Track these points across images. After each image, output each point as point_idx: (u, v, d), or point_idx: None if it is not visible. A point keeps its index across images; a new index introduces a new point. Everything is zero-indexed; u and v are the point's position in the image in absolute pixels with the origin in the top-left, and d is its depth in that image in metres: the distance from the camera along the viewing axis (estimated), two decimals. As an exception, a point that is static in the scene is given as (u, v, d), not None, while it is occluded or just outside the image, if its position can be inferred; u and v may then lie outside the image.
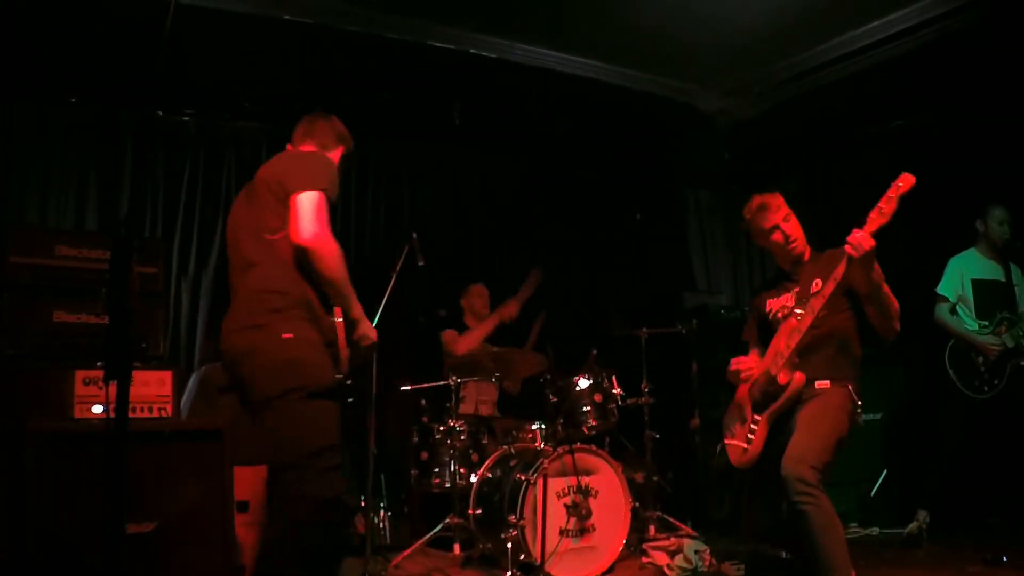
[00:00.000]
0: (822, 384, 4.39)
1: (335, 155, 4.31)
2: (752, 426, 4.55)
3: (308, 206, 3.70)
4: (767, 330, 4.76)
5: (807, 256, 4.74)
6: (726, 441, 4.73)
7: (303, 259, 3.72)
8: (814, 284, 4.44)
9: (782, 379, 4.40)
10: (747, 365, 4.70)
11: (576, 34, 7.29)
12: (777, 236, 4.69)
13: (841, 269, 4.14)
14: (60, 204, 6.91)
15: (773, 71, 8.10)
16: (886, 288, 4.28)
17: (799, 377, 4.38)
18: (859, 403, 4.43)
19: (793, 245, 4.69)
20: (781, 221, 4.68)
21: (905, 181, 4.06)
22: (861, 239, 4.02)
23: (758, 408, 4.56)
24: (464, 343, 7.28)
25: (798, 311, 4.43)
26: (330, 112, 4.35)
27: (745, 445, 4.56)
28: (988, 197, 6.73)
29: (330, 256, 3.72)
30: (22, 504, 4.46)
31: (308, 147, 4.29)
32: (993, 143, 7.02)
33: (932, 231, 7.18)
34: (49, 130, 6.98)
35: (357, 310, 3.93)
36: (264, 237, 3.85)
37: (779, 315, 4.66)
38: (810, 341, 4.37)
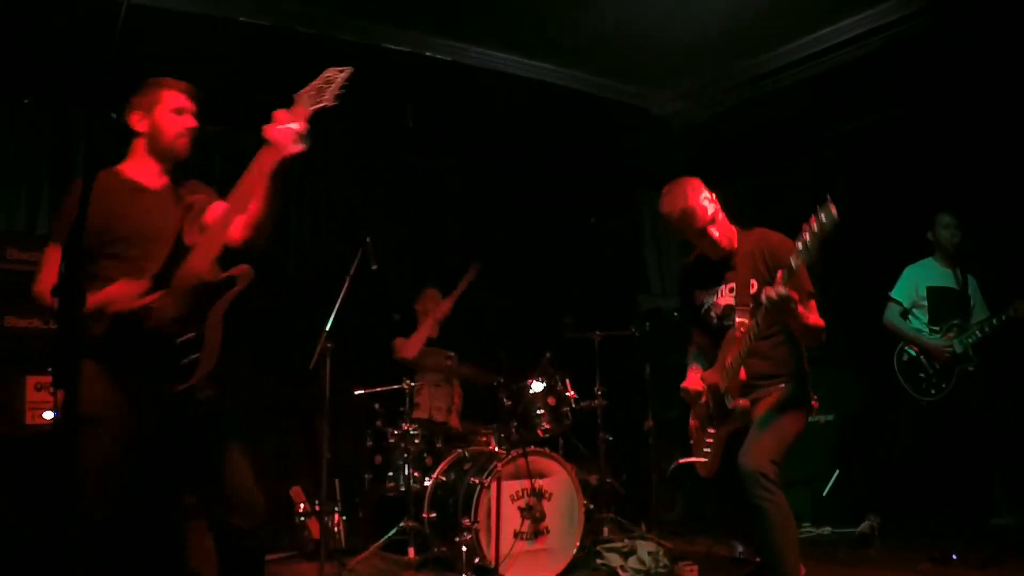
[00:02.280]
0: (777, 384, 4.31)
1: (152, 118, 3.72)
2: (707, 439, 4.48)
3: None
4: (700, 320, 4.60)
5: (736, 242, 4.48)
6: (690, 459, 4.64)
7: None
8: (752, 285, 4.30)
9: (731, 404, 4.31)
10: (693, 386, 4.56)
11: (531, 38, 7.33)
12: (707, 242, 4.44)
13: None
14: (11, 206, 6.75)
15: (726, 75, 8.19)
16: (809, 318, 4.08)
17: (743, 404, 4.27)
18: (814, 397, 4.38)
19: (725, 244, 4.44)
20: (710, 224, 4.40)
21: (825, 217, 3.62)
22: (773, 292, 3.81)
23: (712, 421, 4.46)
24: (408, 348, 7.27)
25: (740, 320, 4.26)
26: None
27: (704, 460, 4.50)
28: (940, 198, 6.81)
29: None
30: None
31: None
32: (944, 145, 7.10)
33: (886, 233, 7.26)
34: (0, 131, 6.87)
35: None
36: None
37: (712, 313, 4.50)
38: (761, 345, 4.25)
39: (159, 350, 3.31)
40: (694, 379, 4.59)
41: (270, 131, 3.52)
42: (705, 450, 4.49)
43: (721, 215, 4.47)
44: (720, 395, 4.36)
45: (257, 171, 3.52)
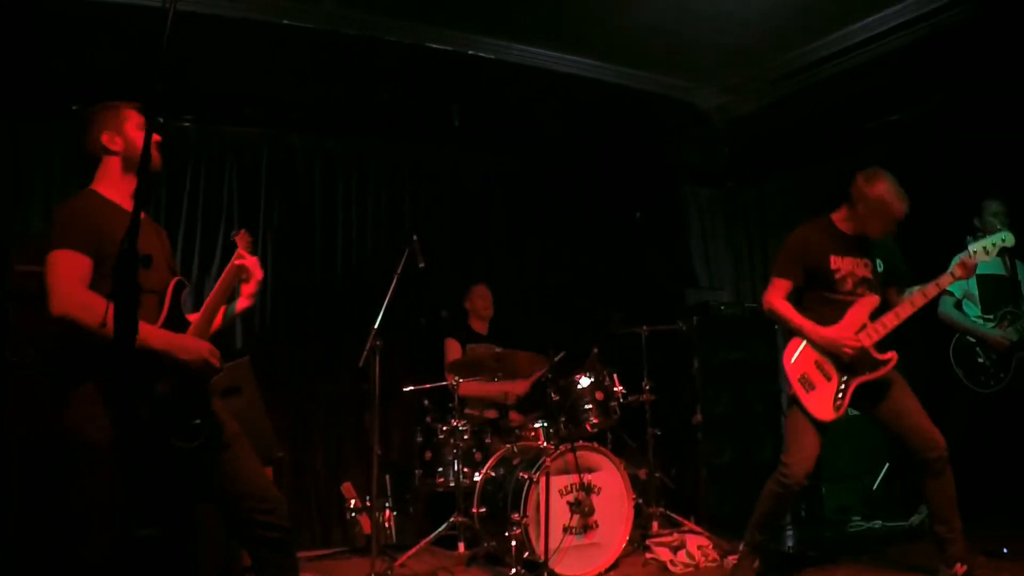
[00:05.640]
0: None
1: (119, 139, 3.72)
2: (841, 386, 4.94)
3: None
4: (817, 281, 5.05)
5: None
6: (808, 395, 4.94)
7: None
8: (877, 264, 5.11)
9: (882, 356, 4.93)
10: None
11: (573, 33, 7.33)
12: (883, 230, 5.06)
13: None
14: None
15: (770, 67, 8.15)
16: None
17: (894, 355, 4.94)
18: None
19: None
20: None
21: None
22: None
23: (846, 370, 4.94)
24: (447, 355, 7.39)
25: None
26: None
27: (836, 402, 4.93)
28: (986, 189, 6.73)
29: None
30: (32, 502, 4.55)
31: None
32: (990, 136, 7.02)
33: (932, 226, 7.19)
34: (51, 139, 6.89)
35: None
36: None
37: (848, 280, 5.02)
38: None
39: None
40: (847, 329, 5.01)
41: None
42: (839, 396, 4.94)
43: None
44: (864, 350, 4.91)
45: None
